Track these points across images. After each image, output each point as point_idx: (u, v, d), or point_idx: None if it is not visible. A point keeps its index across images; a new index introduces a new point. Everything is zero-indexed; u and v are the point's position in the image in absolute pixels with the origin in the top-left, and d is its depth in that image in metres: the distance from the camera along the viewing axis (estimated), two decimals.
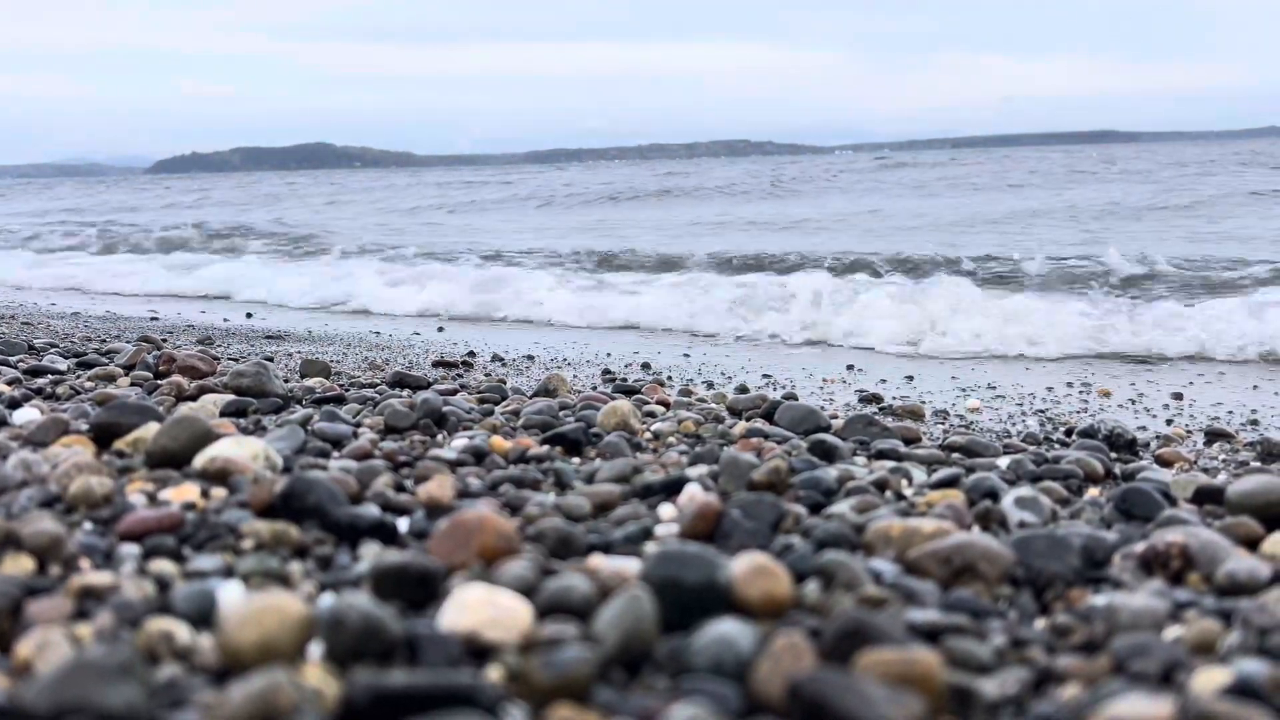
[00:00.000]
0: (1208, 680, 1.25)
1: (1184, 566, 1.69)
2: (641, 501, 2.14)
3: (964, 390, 4.61)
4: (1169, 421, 3.88)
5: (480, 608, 1.36)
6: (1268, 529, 1.94)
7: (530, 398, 3.71)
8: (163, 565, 1.61)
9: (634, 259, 10.77)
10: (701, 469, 2.38)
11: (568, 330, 7.14)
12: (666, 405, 3.66)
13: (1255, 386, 4.62)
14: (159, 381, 3.66)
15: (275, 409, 3.22)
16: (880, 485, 2.28)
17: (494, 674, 1.27)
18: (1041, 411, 4.07)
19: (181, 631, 1.33)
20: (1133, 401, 4.31)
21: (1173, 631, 1.46)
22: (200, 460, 2.13)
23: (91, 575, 1.52)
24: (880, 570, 1.67)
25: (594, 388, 4.35)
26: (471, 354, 5.56)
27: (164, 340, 5.55)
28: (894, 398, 4.33)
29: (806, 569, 1.64)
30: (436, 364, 5.05)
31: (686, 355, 5.76)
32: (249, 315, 8.11)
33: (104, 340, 5.67)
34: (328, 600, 1.47)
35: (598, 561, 1.65)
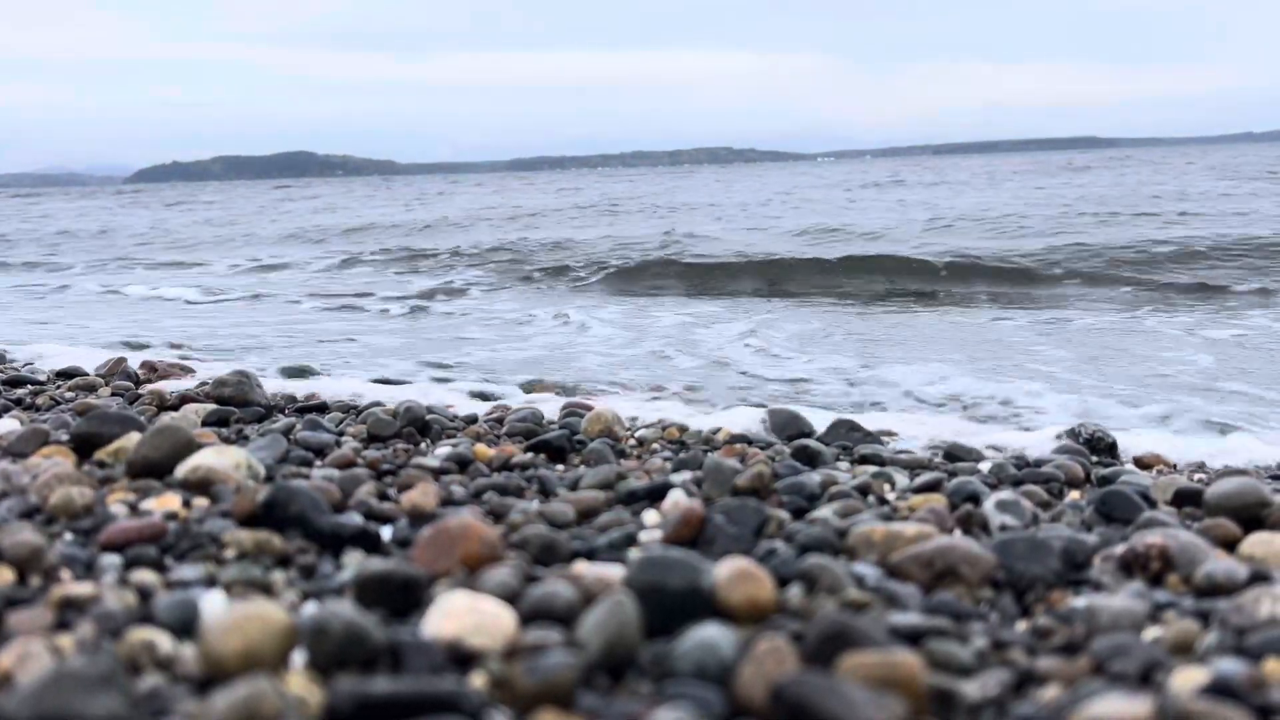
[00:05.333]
0: (1186, 680, 1.27)
1: (1163, 568, 1.71)
2: (625, 508, 2.14)
3: None
4: None
5: (464, 615, 1.36)
6: (1245, 530, 1.96)
7: (515, 405, 3.71)
8: (144, 575, 1.61)
9: None
10: (685, 475, 2.39)
11: None
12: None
13: None
14: (140, 391, 3.64)
15: (258, 418, 3.21)
16: (863, 490, 2.29)
17: (478, 680, 1.27)
18: None
19: (164, 641, 1.32)
20: None
21: (1152, 632, 1.48)
22: (182, 470, 2.12)
23: (72, 586, 1.51)
24: (863, 574, 1.67)
25: None
26: None
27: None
28: None
29: (789, 573, 1.64)
30: None
31: None
32: None
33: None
34: (311, 609, 1.47)
35: (581, 568, 1.65)
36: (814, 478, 2.31)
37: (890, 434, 3.22)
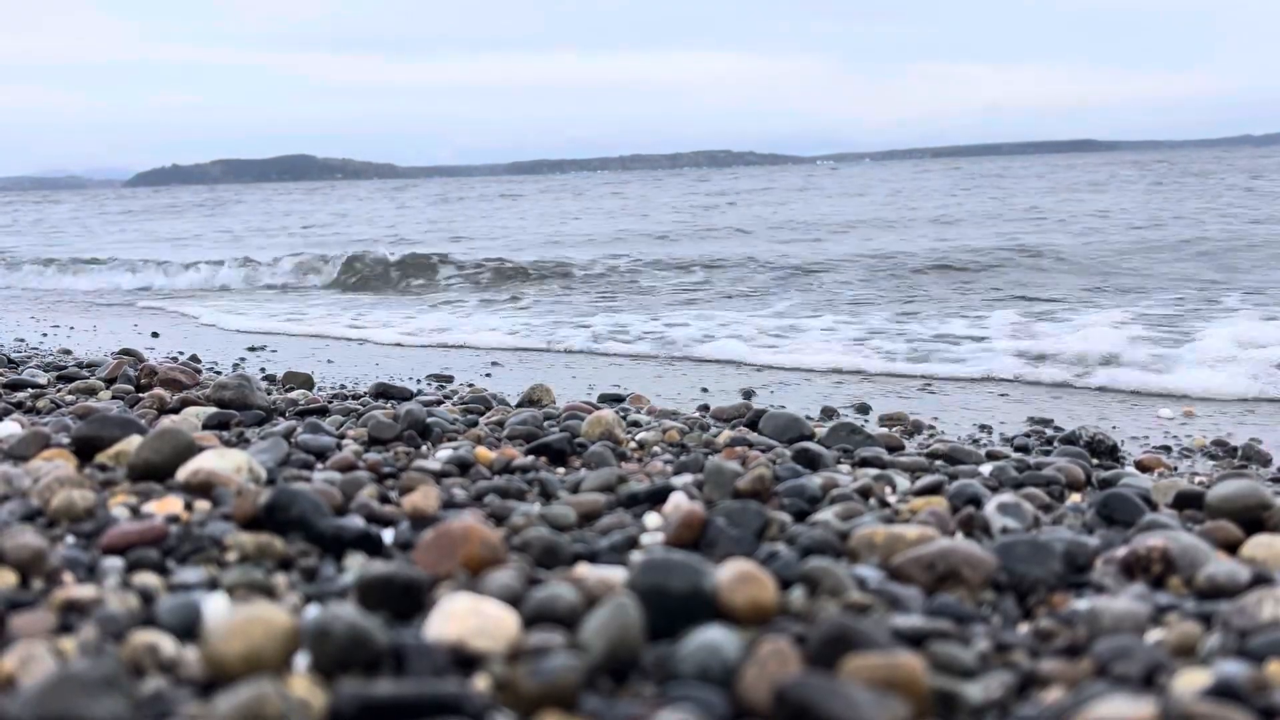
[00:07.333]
0: (1189, 682, 1.27)
1: (1165, 570, 1.71)
2: (627, 510, 2.14)
3: None
4: None
5: (466, 617, 1.36)
6: (1247, 532, 1.96)
7: (515, 408, 3.71)
8: (146, 578, 1.61)
9: None
10: (686, 477, 2.39)
11: None
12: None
13: None
14: (141, 395, 3.64)
15: (258, 421, 3.21)
16: (864, 492, 2.29)
17: (481, 683, 1.27)
18: None
19: (166, 644, 1.32)
20: None
21: (1154, 634, 1.48)
22: (183, 473, 2.12)
23: (74, 589, 1.51)
24: (865, 576, 1.67)
25: None
26: None
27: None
28: None
29: (791, 575, 1.64)
30: None
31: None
32: None
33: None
34: (313, 611, 1.47)
35: (584, 570, 1.65)
36: (815, 480, 2.31)
37: None
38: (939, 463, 2.84)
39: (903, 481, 2.45)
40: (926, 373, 5.05)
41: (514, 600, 1.48)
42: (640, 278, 10.54)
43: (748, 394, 4.63)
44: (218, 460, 2.14)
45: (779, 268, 10.70)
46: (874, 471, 2.57)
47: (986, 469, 2.68)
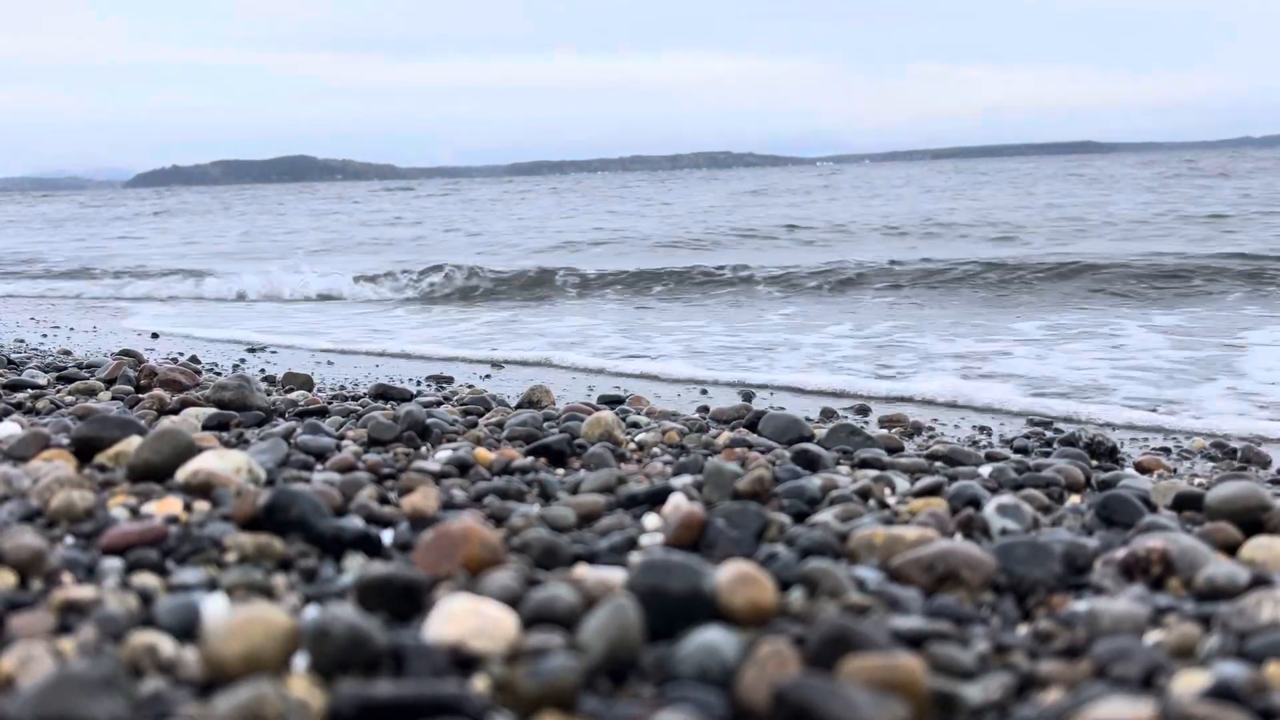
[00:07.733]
0: (1188, 683, 1.27)
1: (1164, 572, 1.71)
2: (626, 511, 2.14)
3: None
4: None
5: (466, 618, 1.36)
6: (1246, 534, 1.96)
7: (514, 409, 3.71)
8: (146, 579, 1.61)
9: None
10: (686, 479, 2.39)
11: None
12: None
13: None
14: (140, 396, 3.64)
15: (258, 422, 3.21)
16: (863, 494, 2.29)
17: (480, 684, 1.27)
18: None
19: (165, 644, 1.32)
20: None
21: (1153, 636, 1.48)
22: (183, 473, 2.12)
23: (74, 589, 1.51)
24: (864, 577, 1.67)
25: None
26: None
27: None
28: None
29: (791, 577, 1.64)
30: None
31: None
32: None
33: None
34: (312, 612, 1.47)
35: (583, 571, 1.65)
36: (814, 482, 2.31)
37: None
38: (938, 464, 2.84)
39: (902, 483, 2.45)
40: (918, 394, 4.79)
41: (513, 601, 1.48)
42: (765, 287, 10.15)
43: (747, 395, 4.63)
44: (217, 461, 2.14)
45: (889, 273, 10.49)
46: (873, 473, 2.57)
47: (986, 470, 2.68)
